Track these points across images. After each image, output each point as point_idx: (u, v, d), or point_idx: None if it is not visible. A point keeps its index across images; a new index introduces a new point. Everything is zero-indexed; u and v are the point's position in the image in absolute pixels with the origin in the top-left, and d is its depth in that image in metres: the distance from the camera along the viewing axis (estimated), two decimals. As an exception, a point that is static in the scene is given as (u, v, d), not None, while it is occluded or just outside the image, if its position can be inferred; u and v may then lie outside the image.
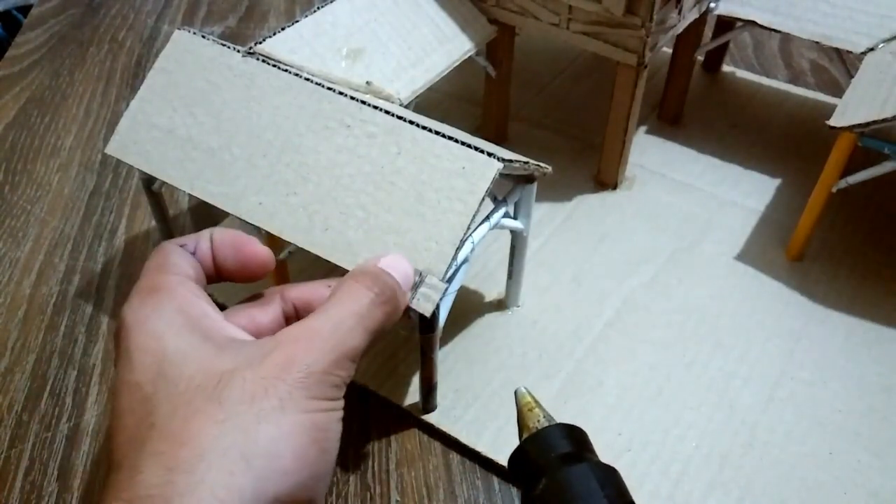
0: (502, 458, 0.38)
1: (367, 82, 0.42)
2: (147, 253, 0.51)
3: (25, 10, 0.98)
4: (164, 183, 0.41)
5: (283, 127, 0.39)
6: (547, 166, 0.40)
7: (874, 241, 0.51)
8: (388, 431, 0.41)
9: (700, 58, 0.65)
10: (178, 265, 0.30)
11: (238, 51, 0.41)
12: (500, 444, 0.39)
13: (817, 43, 0.50)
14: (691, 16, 0.52)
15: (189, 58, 0.42)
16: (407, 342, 0.44)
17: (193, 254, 0.31)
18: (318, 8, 0.45)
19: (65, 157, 0.60)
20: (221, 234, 0.32)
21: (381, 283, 0.31)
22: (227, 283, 0.33)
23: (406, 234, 0.35)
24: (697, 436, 0.40)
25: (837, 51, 0.50)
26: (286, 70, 0.40)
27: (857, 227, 0.52)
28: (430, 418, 0.41)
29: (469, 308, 0.46)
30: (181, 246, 0.31)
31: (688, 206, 0.54)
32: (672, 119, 0.61)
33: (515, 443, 0.33)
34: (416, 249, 0.34)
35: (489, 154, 0.35)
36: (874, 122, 0.41)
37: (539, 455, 0.31)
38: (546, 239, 0.51)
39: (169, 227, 0.48)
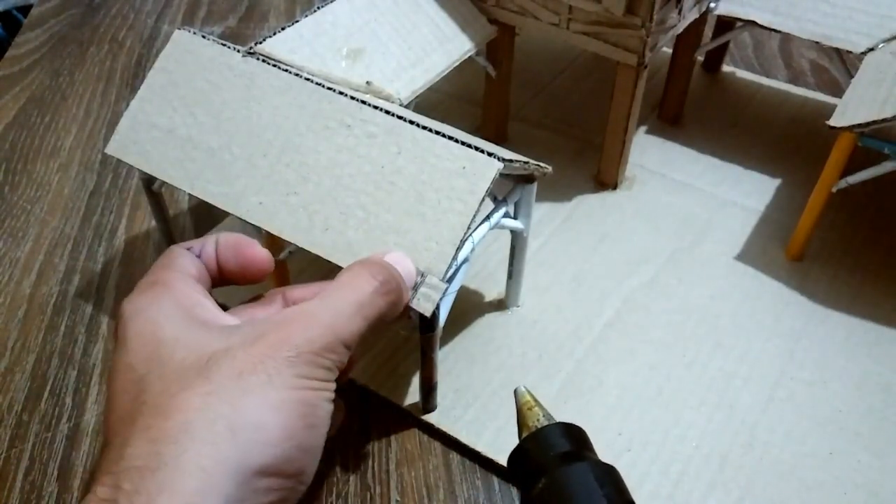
0: (502, 458, 0.38)
1: (367, 82, 0.42)
2: (147, 253, 0.51)
3: (25, 10, 0.98)
4: (164, 183, 0.41)
5: (284, 127, 0.39)
6: (547, 166, 0.40)
7: (874, 241, 0.51)
8: (388, 431, 0.41)
9: (700, 58, 0.65)
10: (180, 264, 0.31)
11: (238, 51, 0.41)
12: (500, 444, 0.39)
13: (817, 43, 0.50)
14: (691, 16, 0.52)
15: (189, 58, 0.42)
16: (407, 342, 0.44)
17: (199, 256, 0.32)
18: (318, 8, 0.45)
19: (65, 157, 0.60)
20: (226, 238, 0.32)
21: (385, 273, 0.31)
22: (230, 286, 0.33)
23: (406, 233, 0.35)
24: (697, 436, 0.40)
25: (837, 51, 0.50)
26: (286, 70, 0.40)
27: (857, 227, 0.52)
28: (430, 418, 0.41)
29: (469, 308, 0.46)
30: (188, 249, 0.32)
31: (688, 206, 0.54)
32: (672, 119, 0.61)
33: (515, 442, 0.33)
34: (417, 249, 0.34)
35: (489, 154, 0.35)
36: (874, 122, 0.41)
37: (538, 454, 0.32)
38: (546, 239, 0.51)
39: (169, 227, 0.48)
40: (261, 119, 0.39)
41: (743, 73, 0.66)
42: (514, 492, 0.38)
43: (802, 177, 0.55)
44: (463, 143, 0.36)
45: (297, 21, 0.44)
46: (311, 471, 0.28)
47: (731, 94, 0.64)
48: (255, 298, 0.33)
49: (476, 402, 0.41)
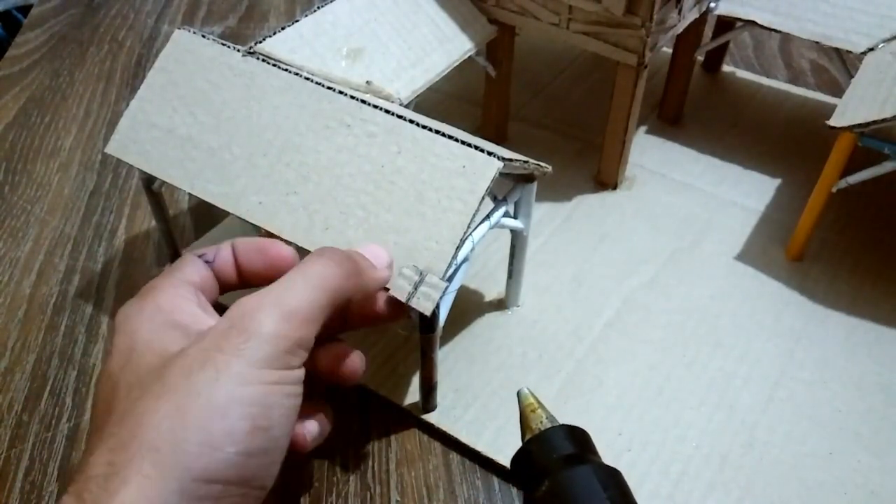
0: (502, 458, 0.38)
1: (367, 82, 0.42)
2: (147, 253, 0.51)
3: (25, 10, 0.98)
4: (164, 183, 0.41)
5: (284, 126, 0.39)
6: (547, 166, 0.40)
7: (874, 241, 0.51)
8: (388, 431, 0.41)
9: (700, 58, 0.65)
10: (183, 272, 0.31)
11: (238, 50, 0.41)
12: (500, 444, 0.39)
13: (817, 43, 0.50)
14: (691, 16, 0.52)
15: (189, 57, 0.42)
16: (407, 342, 0.44)
17: (212, 262, 0.32)
18: (318, 8, 0.45)
19: (65, 157, 0.60)
20: (245, 243, 0.33)
21: (343, 255, 0.31)
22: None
23: (406, 233, 0.35)
24: (697, 436, 0.40)
25: (837, 51, 0.50)
26: (286, 70, 0.40)
27: (857, 227, 0.52)
28: (430, 418, 0.41)
29: (469, 308, 0.46)
30: (200, 255, 0.32)
31: (688, 206, 0.54)
32: (672, 119, 0.61)
33: (516, 442, 0.33)
34: (417, 249, 0.34)
35: (489, 153, 0.35)
36: (874, 122, 0.41)
37: (542, 456, 0.31)
38: (546, 239, 0.51)
39: (169, 227, 0.48)
40: (261, 119, 0.39)
41: (743, 73, 0.66)
42: (515, 492, 0.38)
43: (802, 177, 0.55)
44: (463, 143, 0.36)
45: (297, 21, 0.44)
46: (265, 475, 0.27)
47: (731, 94, 0.64)
48: None
49: (476, 402, 0.41)
